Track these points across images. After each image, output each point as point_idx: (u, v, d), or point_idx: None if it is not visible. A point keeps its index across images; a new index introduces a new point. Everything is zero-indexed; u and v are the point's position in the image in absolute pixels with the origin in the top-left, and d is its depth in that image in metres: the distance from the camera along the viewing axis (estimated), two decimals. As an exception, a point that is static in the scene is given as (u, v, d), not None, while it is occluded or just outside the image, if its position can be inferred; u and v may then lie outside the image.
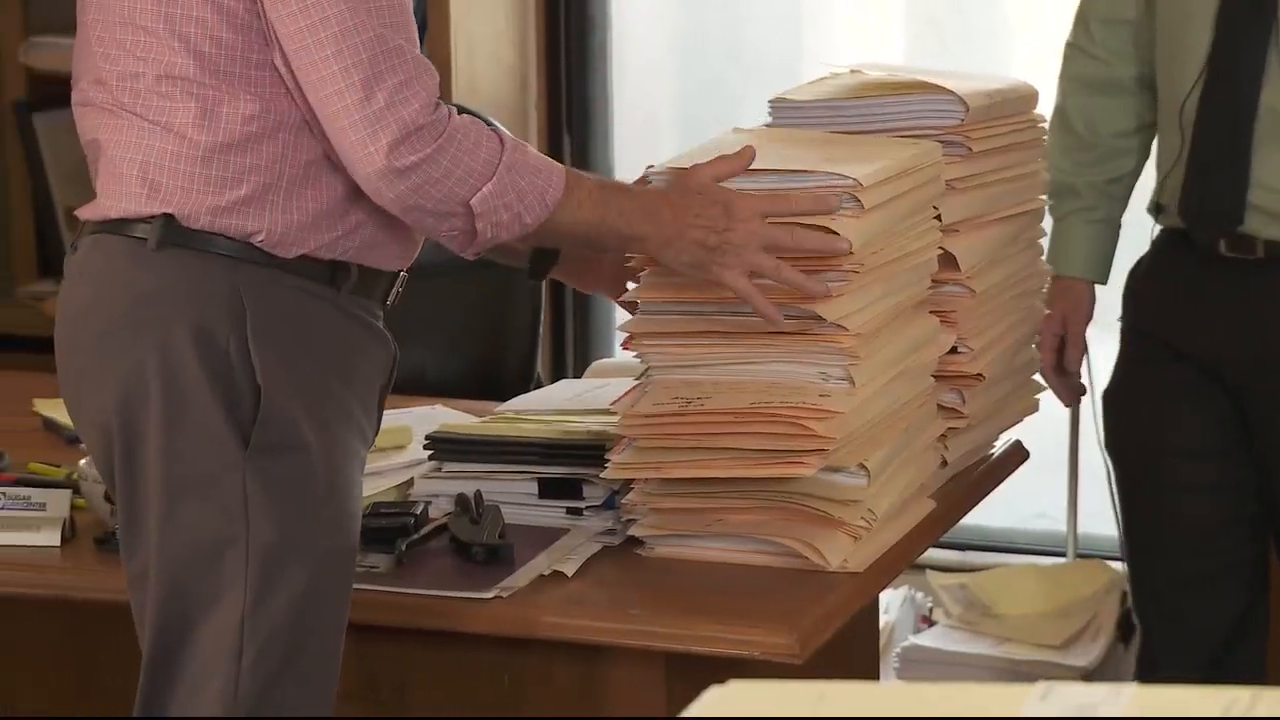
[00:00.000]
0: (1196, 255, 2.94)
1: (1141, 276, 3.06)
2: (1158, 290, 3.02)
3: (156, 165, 2.21)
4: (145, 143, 2.22)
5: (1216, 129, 2.85)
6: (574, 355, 4.30)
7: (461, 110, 2.24)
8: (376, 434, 2.34)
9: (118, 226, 2.24)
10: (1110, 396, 3.10)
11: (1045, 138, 2.78)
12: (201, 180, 2.20)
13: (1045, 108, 2.85)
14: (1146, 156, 3.09)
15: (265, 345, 2.19)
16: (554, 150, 4.29)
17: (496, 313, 3.43)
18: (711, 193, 2.28)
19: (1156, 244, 3.05)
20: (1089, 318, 3.10)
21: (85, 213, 2.29)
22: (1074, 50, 3.10)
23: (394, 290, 2.33)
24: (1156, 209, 3.01)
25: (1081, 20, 3.10)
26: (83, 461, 2.51)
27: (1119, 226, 3.12)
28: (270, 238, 2.21)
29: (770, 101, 2.62)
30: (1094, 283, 3.09)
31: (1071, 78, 3.10)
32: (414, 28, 2.22)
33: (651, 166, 2.38)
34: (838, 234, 2.28)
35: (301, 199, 2.22)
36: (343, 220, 2.24)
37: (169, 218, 2.20)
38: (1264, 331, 2.91)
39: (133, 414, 2.19)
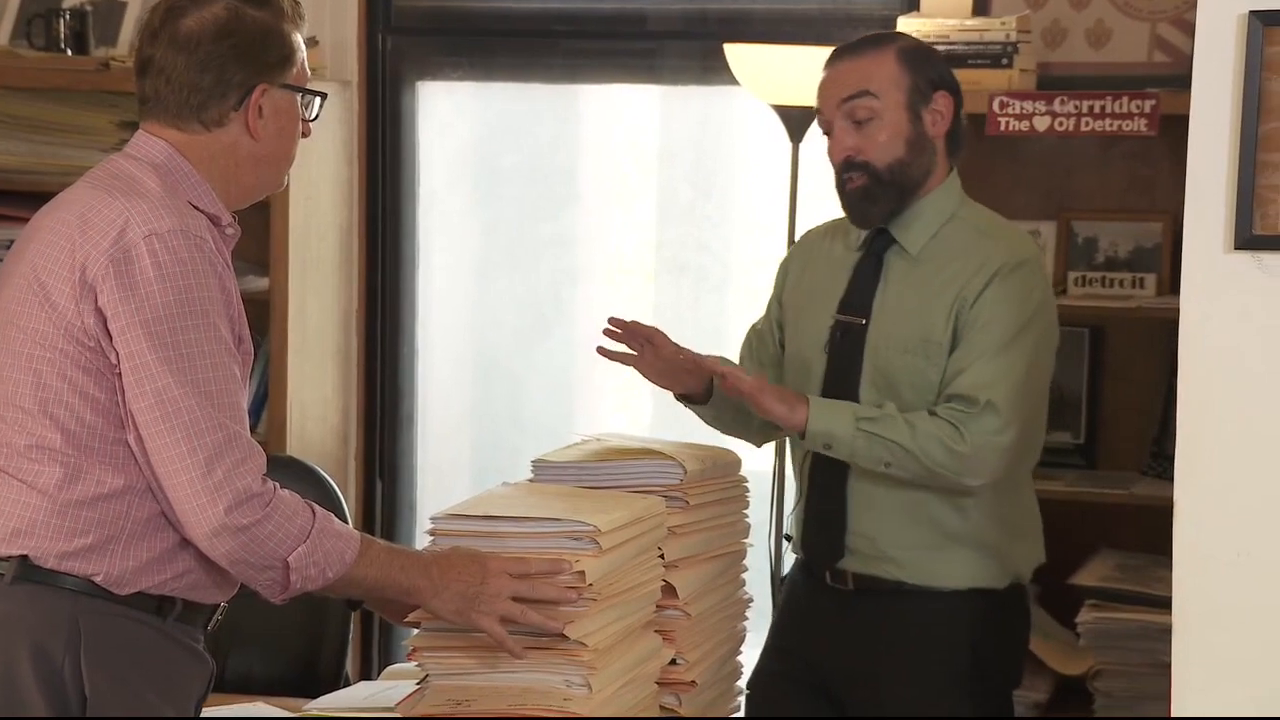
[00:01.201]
0: (814, 582, 2.89)
1: (782, 602, 3.00)
2: (789, 614, 2.94)
3: (19, 515, 2.18)
4: (12, 497, 2.19)
5: (824, 489, 2.84)
6: (379, 659, 4.20)
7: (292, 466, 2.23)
8: None
9: None
10: (750, 686, 2.94)
11: (748, 494, 2.76)
12: (54, 530, 2.16)
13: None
14: None
15: (96, 666, 2.15)
16: (369, 493, 4.24)
17: (314, 624, 3.34)
18: (471, 555, 2.28)
19: (791, 569, 3.00)
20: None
21: None
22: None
23: (214, 618, 2.29)
24: (788, 538, 2.98)
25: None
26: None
27: None
28: (108, 579, 2.17)
29: (533, 462, 2.62)
30: None
31: None
32: (245, 418, 2.22)
33: (435, 515, 2.38)
34: (582, 574, 2.27)
35: (138, 549, 2.19)
36: (171, 566, 2.21)
37: (24, 558, 2.16)
38: (855, 650, 2.85)
39: None
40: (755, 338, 3.02)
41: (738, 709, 2.76)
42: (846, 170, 2.79)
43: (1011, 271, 2.77)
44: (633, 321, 2.81)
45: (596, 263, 4.27)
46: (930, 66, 2.82)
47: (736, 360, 3.02)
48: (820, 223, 3.03)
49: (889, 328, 2.80)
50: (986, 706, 2.87)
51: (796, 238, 3.66)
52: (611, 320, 2.81)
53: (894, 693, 2.82)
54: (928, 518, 2.80)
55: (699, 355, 2.78)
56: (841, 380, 2.82)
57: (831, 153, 2.81)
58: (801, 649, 2.88)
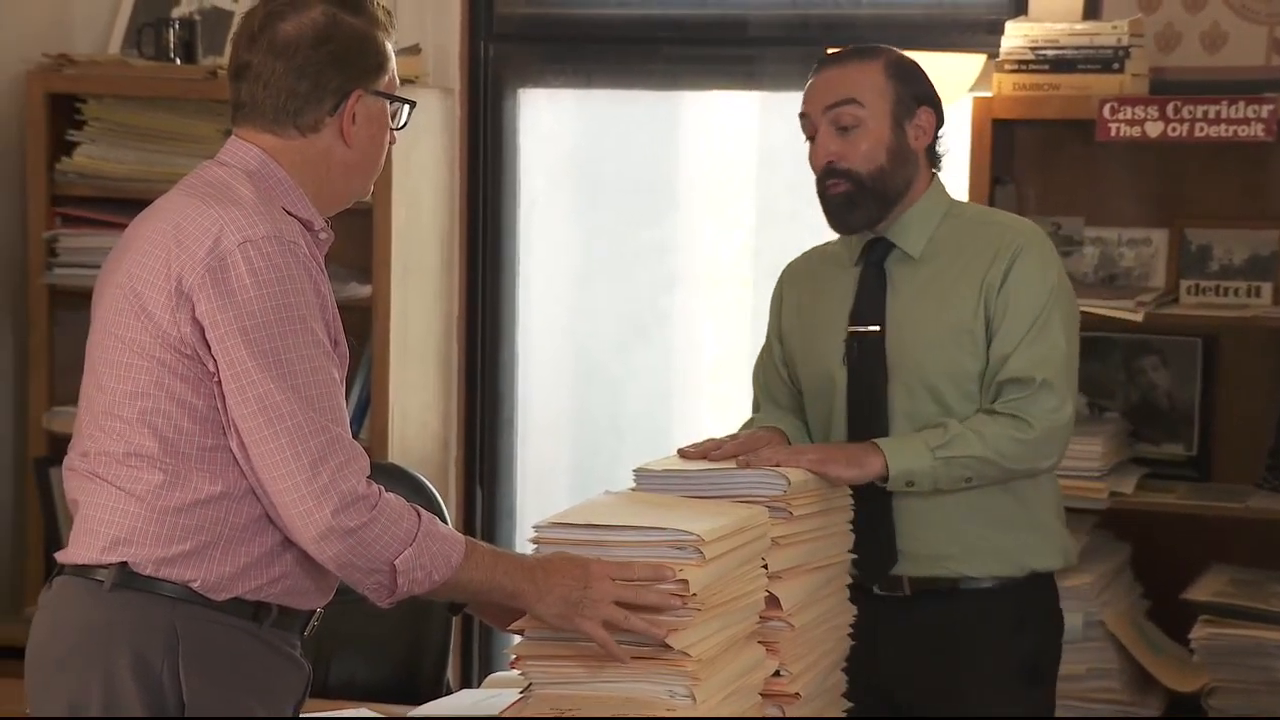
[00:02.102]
0: (859, 595, 2.80)
1: None
2: None
3: (119, 523, 2.21)
4: (111, 504, 2.22)
5: (866, 501, 2.78)
6: (479, 667, 4.22)
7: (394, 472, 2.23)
8: None
9: (83, 571, 2.23)
10: None
11: (852, 506, 2.75)
12: (153, 537, 2.19)
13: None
14: None
15: (194, 672, 2.17)
16: (469, 499, 4.26)
17: (415, 630, 3.37)
18: (575, 560, 2.28)
19: None
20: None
21: (61, 556, 2.28)
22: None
23: (310, 624, 2.30)
24: None
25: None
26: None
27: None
28: (205, 584, 2.19)
29: (635, 470, 2.61)
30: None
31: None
32: (347, 420, 2.24)
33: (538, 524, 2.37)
34: (685, 581, 2.26)
35: (235, 555, 2.21)
36: (268, 571, 2.23)
37: (123, 565, 2.19)
38: (919, 653, 2.83)
39: None
40: (761, 374, 3.02)
41: (841, 720, 2.74)
42: (828, 176, 2.82)
43: (1026, 252, 2.80)
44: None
45: (695, 270, 4.27)
46: (916, 81, 2.86)
47: (750, 391, 3.02)
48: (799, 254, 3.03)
49: (910, 328, 2.82)
50: (1046, 692, 2.87)
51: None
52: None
53: (969, 689, 2.81)
54: (980, 508, 2.79)
55: (750, 458, 2.66)
56: (866, 390, 2.83)
57: (813, 158, 2.84)
58: (857, 666, 2.79)
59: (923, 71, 2.90)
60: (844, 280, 2.90)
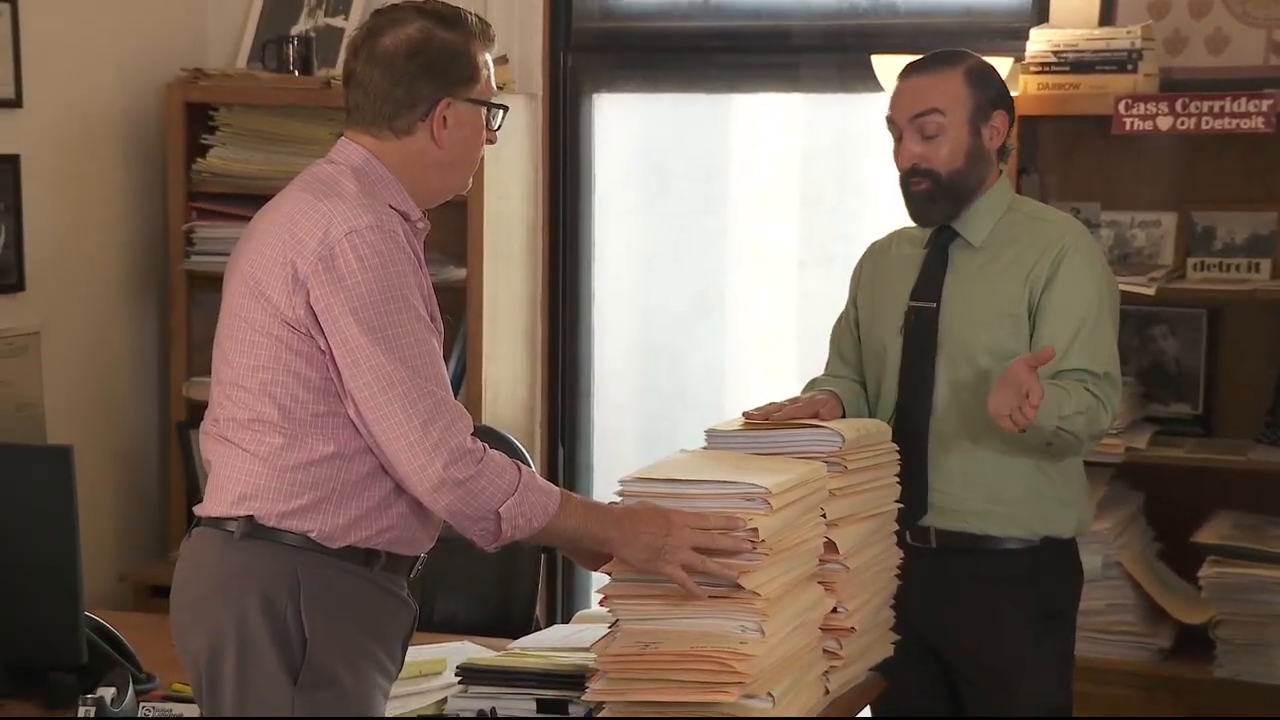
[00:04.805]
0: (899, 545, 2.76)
1: None
2: None
3: (245, 481, 2.22)
4: (238, 464, 2.22)
5: (904, 449, 2.74)
6: (562, 605, 4.22)
7: (486, 433, 2.22)
8: (399, 671, 2.30)
9: (216, 523, 2.24)
10: None
11: (899, 460, 2.71)
12: (275, 493, 2.20)
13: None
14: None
15: (314, 611, 2.18)
16: (551, 457, 4.25)
17: (508, 572, 3.37)
18: (657, 510, 2.27)
19: None
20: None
21: (198, 510, 2.30)
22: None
23: (415, 568, 2.31)
24: None
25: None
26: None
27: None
28: (322, 534, 2.20)
29: (706, 431, 2.60)
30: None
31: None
32: (449, 384, 2.23)
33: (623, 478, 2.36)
34: (755, 531, 2.25)
35: (346, 508, 2.21)
36: (376, 523, 2.23)
37: (250, 518, 2.20)
38: (948, 608, 2.81)
39: (217, 661, 2.18)
40: (837, 334, 3.01)
41: (890, 651, 2.71)
42: (912, 175, 2.79)
43: (1075, 249, 2.77)
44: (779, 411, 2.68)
45: (747, 255, 4.24)
46: (991, 86, 2.81)
47: (797, 361, 2.98)
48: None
49: (961, 306, 2.79)
50: (1065, 636, 2.83)
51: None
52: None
53: (991, 633, 2.77)
54: (1011, 474, 2.76)
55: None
56: (917, 357, 2.81)
57: (899, 158, 2.81)
58: (900, 611, 2.74)
59: (997, 75, 2.85)
60: (913, 260, 2.88)
